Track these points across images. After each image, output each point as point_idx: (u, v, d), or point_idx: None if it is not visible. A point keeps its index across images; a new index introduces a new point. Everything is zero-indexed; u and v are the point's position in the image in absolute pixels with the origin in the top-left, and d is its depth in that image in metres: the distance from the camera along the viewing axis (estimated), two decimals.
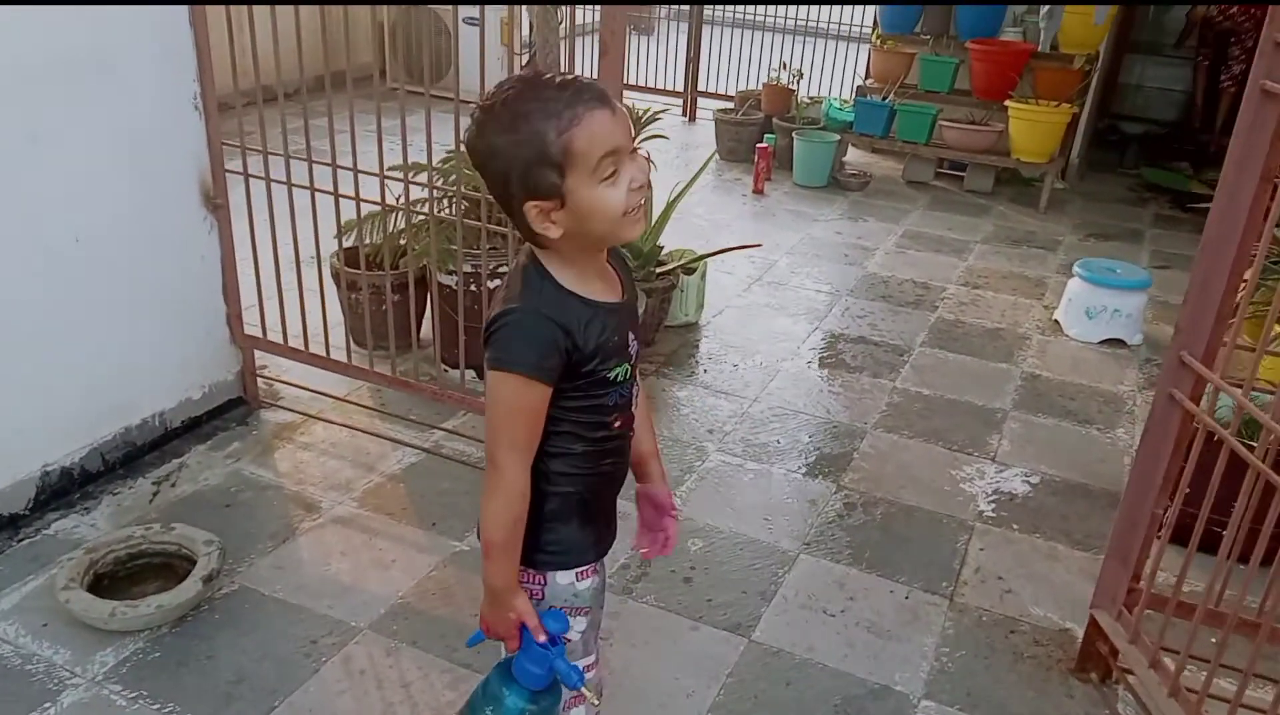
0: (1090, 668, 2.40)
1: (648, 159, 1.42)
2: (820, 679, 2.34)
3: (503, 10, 6.76)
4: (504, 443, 1.37)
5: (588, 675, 1.57)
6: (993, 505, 3.08)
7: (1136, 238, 5.90)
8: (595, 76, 2.54)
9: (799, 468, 3.20)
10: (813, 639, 2.46)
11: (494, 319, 1.34)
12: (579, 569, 1.51)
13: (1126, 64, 7.71)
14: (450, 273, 3.21)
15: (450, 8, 6.75)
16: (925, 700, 2.29)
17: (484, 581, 1.44)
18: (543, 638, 1.43)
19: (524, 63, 3.72)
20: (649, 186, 1.35)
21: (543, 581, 1.50)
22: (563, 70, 1.38)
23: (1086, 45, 6.38)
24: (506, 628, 1.45)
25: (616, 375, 1.41)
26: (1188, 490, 2.13)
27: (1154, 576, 2.19)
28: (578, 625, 1.55)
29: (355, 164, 2.83)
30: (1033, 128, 6.06)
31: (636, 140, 3.66)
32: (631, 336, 1.45)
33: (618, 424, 1.47)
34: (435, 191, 3.00)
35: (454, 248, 3.00)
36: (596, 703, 1.55)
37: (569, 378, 1.37)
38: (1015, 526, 2.98)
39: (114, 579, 2.45)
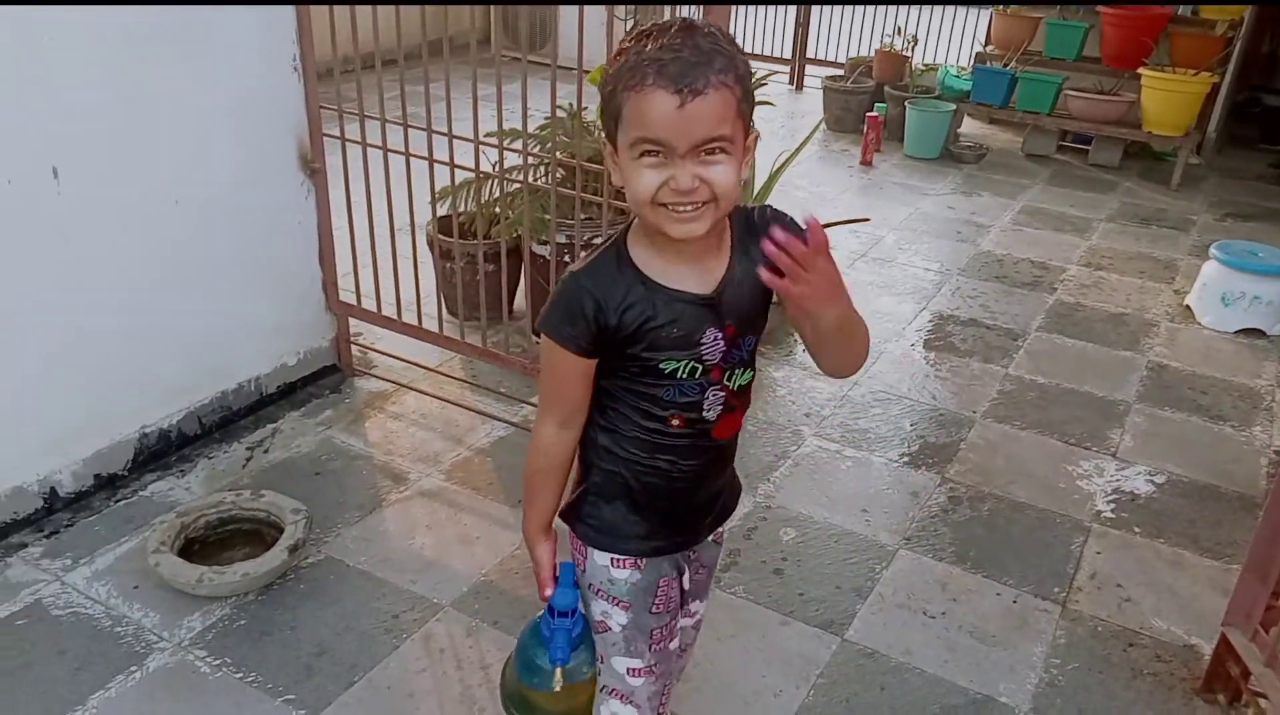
0: (1218, 689, 2.20)
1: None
2: (917, 685, 2.20)
3: None
4: (540, 397, 1.42)
5: (634, 682, 1.48)
6: (1112, 505, 2.87)
7: (1278, 219, 5.48)
8: None
9: (900, 457, 3.04)
10: (910, 641, 2.32)
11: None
12: (615, 556, 1.44)
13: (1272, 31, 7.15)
14: (544, 243, 3.13)
15: None
16: None
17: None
18: (547, 592, 1.46)
19: (627, 29, 3.59)
20: (716, 200, 1.21)
21: (584, 553, 1.47)
22: (710, 27, 1.20)
23: (1230, 10, 5.92)
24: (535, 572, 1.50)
25: (675, 370, 1.32)
26: None
27: None
28: (616, 618, 1.47)
29: (450, 129, 2.76)
30: (1168, 98, 5.67)
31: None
32: (716, 335, 1.32)
33: (676, 422, 1.36)
34: (530, 159, 2.91)
35: (548, 217, 2.92)
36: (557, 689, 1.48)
37: (614, 355, 1.32)
38: (1137, 529, 2.77)
39: (204, 544, 2.46)
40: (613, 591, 1.45)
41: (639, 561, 1.45)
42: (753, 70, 1.27)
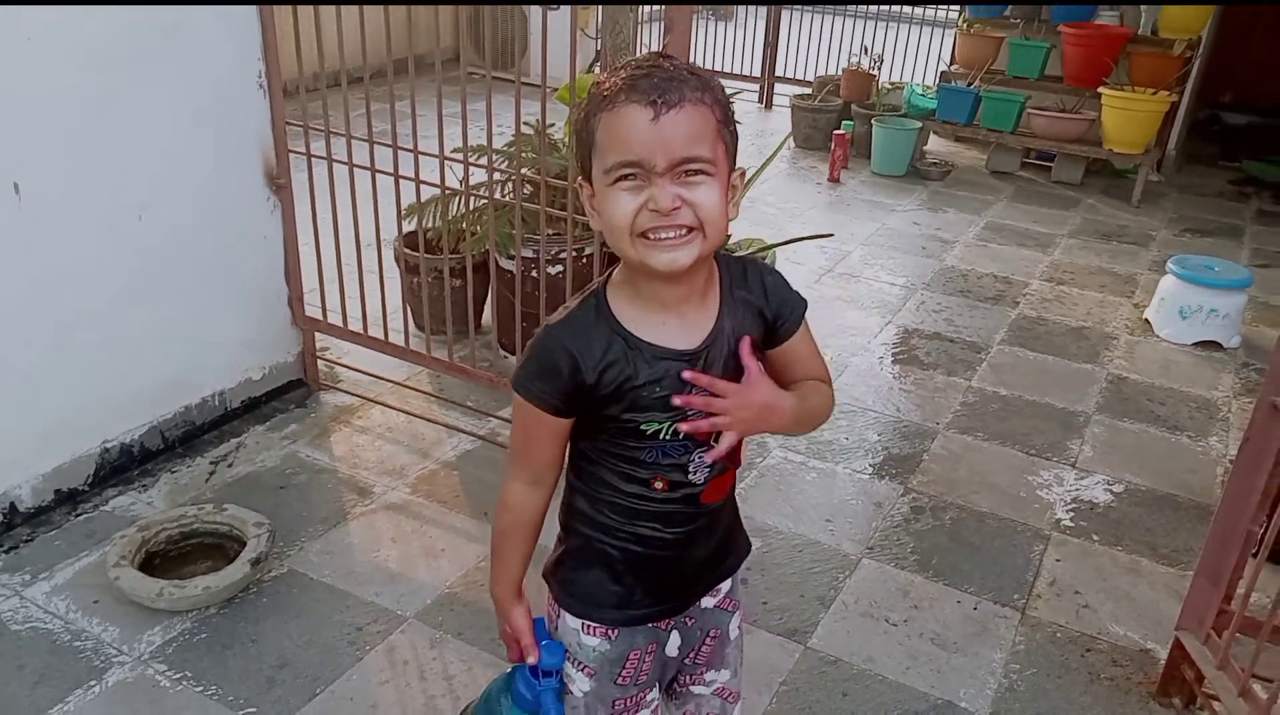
0: (1173, 693, 2.23)
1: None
2: (879, 691, 2.22)
3: None
4: (510, 454, 1.35)
5: None
6: (1071, 514, 2.91)
7: (1236, 234, 5.59)
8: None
9: (865, 468, 3.07)
10: (872, 649, 2.34)
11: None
12: (587, 622, 1.37)
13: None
14: (511, 257, 3.15)
15: None
16: None
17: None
18: (531, 660, 1.37)
19: (596, 47, 3.63)
20: (701, 228, 1.14)
21: (557, 614, 1.40)
22: (659, 54, 1.17)
23: (1188, 29, 6.05)
24: (504, 635, 1.41)
25: (658, 431, 1.23)
26: None
27: (1247, 598, 2.02)
28: (580, 683, 1.39)
29: (415, 145, 2.78)
30: (1127, 117, 5.77)
31: None
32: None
33: (660, 486, 1.28)
34: (498, 174, 2.94)
35: (514, 232, 2.94)
36: None
37: (591, 414, 1.24)
38: (1095, 537, 2.81)
39: (165, 558, 2.45)
40: (580, 656, 1.39)
41: (610, 631, 1.37)
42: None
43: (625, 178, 1.11)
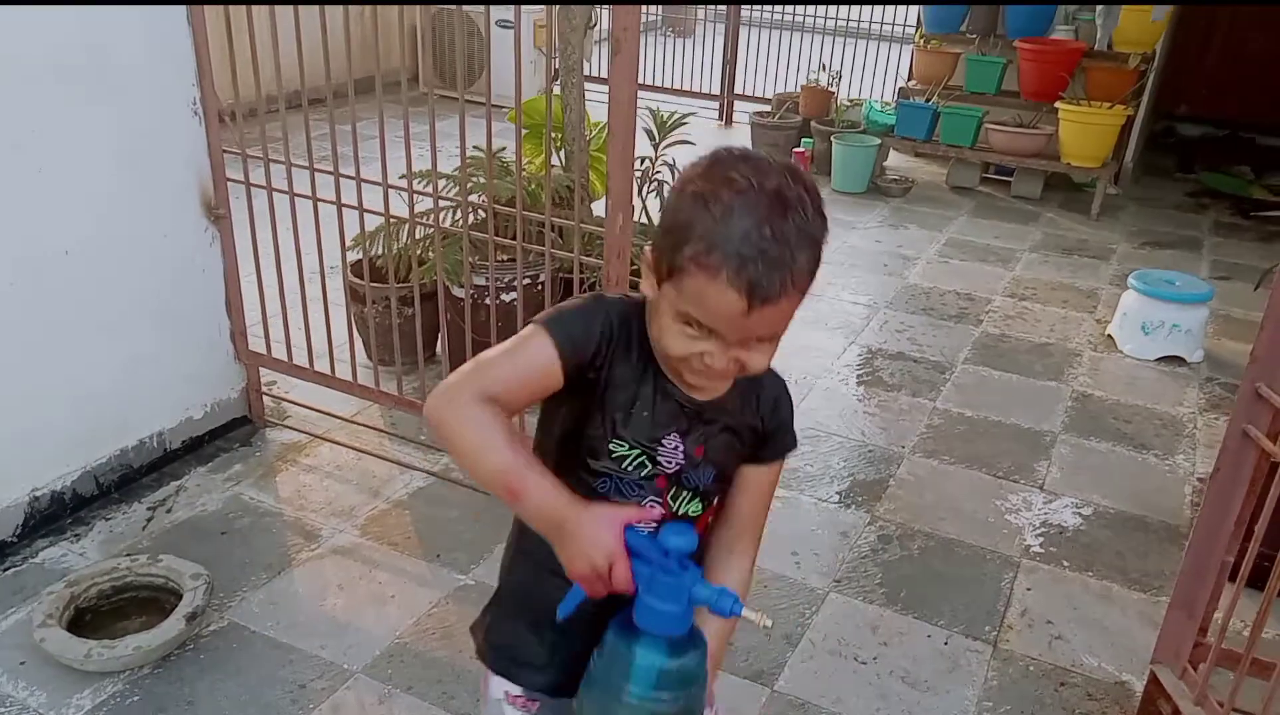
0: None
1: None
2: None
3: (538, 13, 6.63)
4: (473, 374, 1.10)
5: None
6: (1041, 539, 2.85)
7: (1195, 246, 5.60)
8: (607, 75, 2.38)
9: (830, 496, 2.99)
10: (841, 690, 2.26)
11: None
12: (509, 689, 1.25)
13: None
14: (462, 286, 3.05)
15: (483, 9, 6.64)
16: None
17: (537, 526, 1.08)
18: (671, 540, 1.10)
19: (555, 65, 3.54)
20: (745, 372, 1.12)
21: (486, 677, 1.29)
22: (804, 193, 1.05)
23: (1142, 44, 6.08)
24: (596, 561, 1.04)
25: (624, 458, 1.16)
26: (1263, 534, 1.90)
27: (1224, 631, 1.96)
28: None
29: (358, 173, 2.68)
30: (1084, 130, 5.78)
31: (661, 148, 3.50)
32: (678, 447, 1.18)
33: None
34: (445, 201, 2.84)
35: (469, 259, 2.84)
36: (769, 624, 1.14)
37: (571, 417, 1.16)
38: (1066, 563, 2.75)
39: (97, 613, 2.32)
40: None
41: (530, 701, 1.26)
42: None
43: (693, 324, 1.07)
